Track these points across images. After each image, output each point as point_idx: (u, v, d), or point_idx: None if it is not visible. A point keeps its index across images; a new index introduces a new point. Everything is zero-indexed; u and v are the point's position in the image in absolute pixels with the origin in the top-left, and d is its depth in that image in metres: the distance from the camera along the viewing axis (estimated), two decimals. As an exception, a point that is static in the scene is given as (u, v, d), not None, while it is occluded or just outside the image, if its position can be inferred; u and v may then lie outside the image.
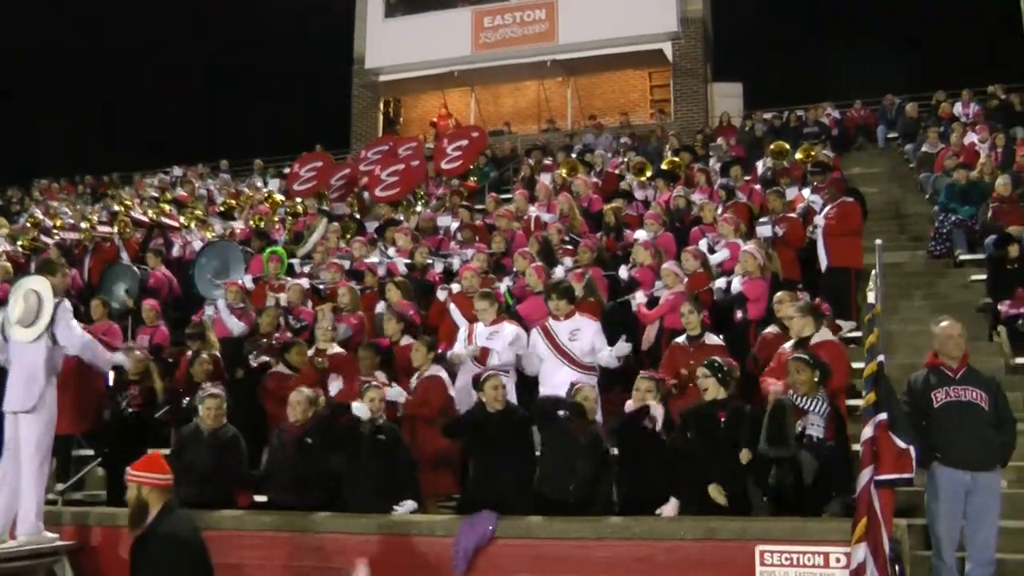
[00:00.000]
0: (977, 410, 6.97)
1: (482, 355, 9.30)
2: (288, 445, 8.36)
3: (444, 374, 9.07)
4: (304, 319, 11.33)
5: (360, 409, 8.03)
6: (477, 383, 8.30)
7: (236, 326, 11.29)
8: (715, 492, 7.18)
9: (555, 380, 8.87)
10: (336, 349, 10.21)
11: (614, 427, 8.14)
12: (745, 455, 7.20)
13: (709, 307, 9.85)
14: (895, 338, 11.01)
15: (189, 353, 10.38)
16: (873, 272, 7.13)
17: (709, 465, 7.31)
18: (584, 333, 9.14)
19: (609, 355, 9.09)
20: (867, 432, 6.34)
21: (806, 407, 7.13)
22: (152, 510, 5.97)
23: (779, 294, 9.28)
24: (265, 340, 10.69)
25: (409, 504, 7.87)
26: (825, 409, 7.12)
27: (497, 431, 7.89)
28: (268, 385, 9.81)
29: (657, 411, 7.73)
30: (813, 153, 15.64)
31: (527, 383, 9.63)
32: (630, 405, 7.91)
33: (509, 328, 9.53)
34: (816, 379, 7.23)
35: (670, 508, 7.37)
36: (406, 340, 9.95)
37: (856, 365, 8.92)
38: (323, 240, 14.61)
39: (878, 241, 7.51)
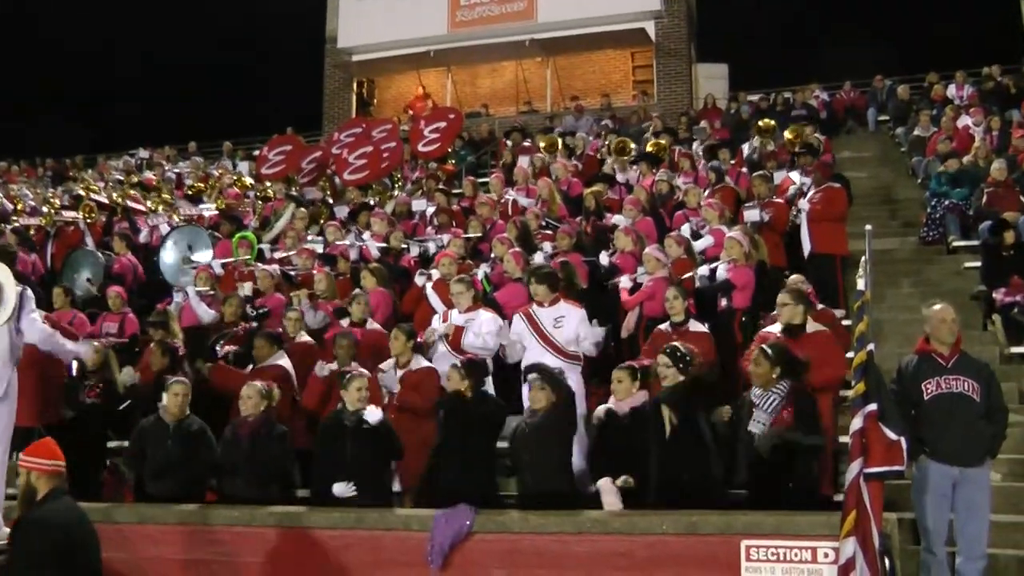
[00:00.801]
0: (968, 402, 6.94)
1: (455, 335, 9.27)
2: (243, 439, 8.28)
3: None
4: (267, 307, 11.24)
5: (372, 414, 7.98)
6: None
7: (207, 314, 11.19)
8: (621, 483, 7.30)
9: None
10: (305, 338, 10.17)
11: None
12: (725, 412, 7.34)
13: (692, 295, 9.83)
14: (883, 327, 11.03)
15: (154, 343, 10.28)
16: (863, 258, 7.09)
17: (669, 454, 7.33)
18: (569, 320, 9.10)
19: (589, 344, 9.07)
20: (856, 423, 6.29)
21: (759, 402, 7.16)
22: (39, 496, 6.00)
23: (794, 277, 9.30)
24: (230, 330, 10.59)
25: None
26: (773, 405, 7.10)
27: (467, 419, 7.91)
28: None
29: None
30: (805, 133, 15.63)
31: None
32: (613, 403, 7.90)
33: (485, 316, 9.51)
34: (775, 374, 7.21)
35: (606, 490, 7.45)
36: (372, 325, 9.94)
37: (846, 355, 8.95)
38: (291, 225, 14.51)
39: (868, 227, 7.47)
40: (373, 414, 8.00)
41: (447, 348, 9.45)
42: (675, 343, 7.86)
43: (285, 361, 9.59)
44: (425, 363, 9.06)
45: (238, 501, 8.08)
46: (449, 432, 7.97)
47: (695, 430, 7.30)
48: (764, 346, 7.41)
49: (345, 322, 10.34)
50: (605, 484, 7.46)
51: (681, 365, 7.56)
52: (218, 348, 10.38)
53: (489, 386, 8.90)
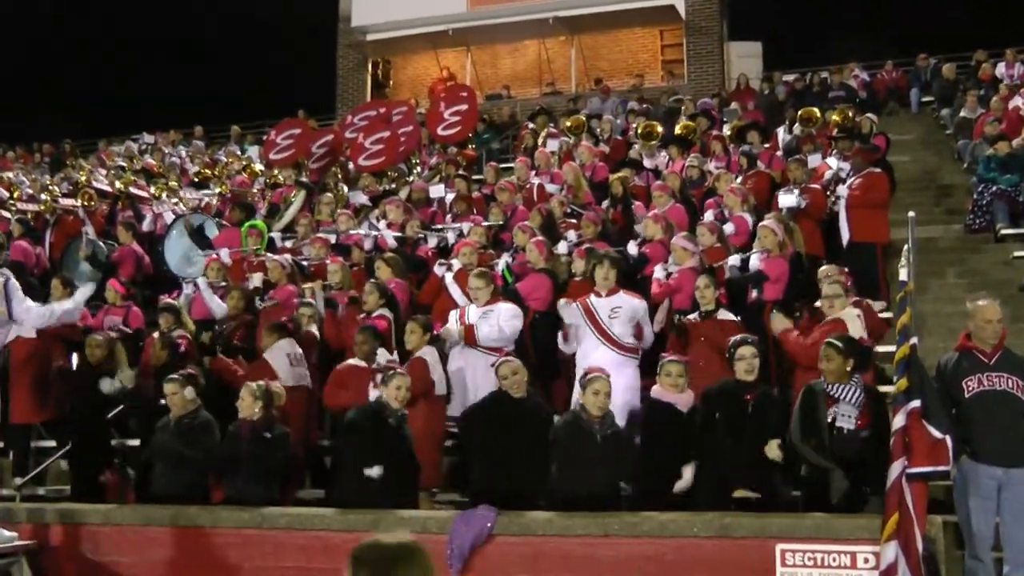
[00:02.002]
0: (1012, 400, 6.90)
1: (467, 334, 9.31)
2: (243, 439, 8.29)
3: (432, 356, 9.02)
4: (277, 299, 11.24)
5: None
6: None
7: (220, 307, 11.20)
8: (741, 495, 7.22)
9: (592, 362, 8.73)
10: (312, 329, 10.23)
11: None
12: (773, 450, 7.20)
13: (722, 285, 9.81)
14: (927, 319, 10.99)
15: (156, 335, 10.32)
16: (905, 247, 7.06)
17: (733, 450, 7.34)
18: (624, 312, 9.08)
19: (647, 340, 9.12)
20: (898, 421, 6.29)
21: (837, 395, 7.11)
22: None
23: (825, 267, 9.23)
24: (233, 323, 10.61)
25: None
26: (859, 398, 7.08)
27: (516, 420, 7.92)
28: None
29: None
30: (850, 115, 15.50)
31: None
32: (657, 391, 7.91)
33: (503, 306, 9.54)
34: (849, 367, 7.20)
35: (686, 476, 7.49)
36: (380, 313, 10.01)
37: (886, 348, 8.91)
38: (305, 213, 14.52)
39: (911, 213, 7.45)
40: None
41: (461, 344, 9.44)
42: (754, 336, 7.90)
43: (431, 354, 9.38)
44: (421, 353, 9.05)
45: (242, 502, 8.12)
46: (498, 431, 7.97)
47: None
48: (832, 339, 7.36)
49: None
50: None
51: (759, 360, 7.62)
52: (218, 346, 10.41)
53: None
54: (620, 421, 8.02)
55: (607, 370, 7.90)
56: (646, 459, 7.76)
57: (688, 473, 7.56)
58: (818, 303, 8.85)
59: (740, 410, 7.46)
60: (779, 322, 8.56)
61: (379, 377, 8.42)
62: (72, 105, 34.46)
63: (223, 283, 11.57)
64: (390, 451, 7.89)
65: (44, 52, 36.53)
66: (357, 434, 7.99)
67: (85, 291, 9.16)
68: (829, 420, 7.07)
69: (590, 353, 8.96)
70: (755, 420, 7.40)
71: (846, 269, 9.45)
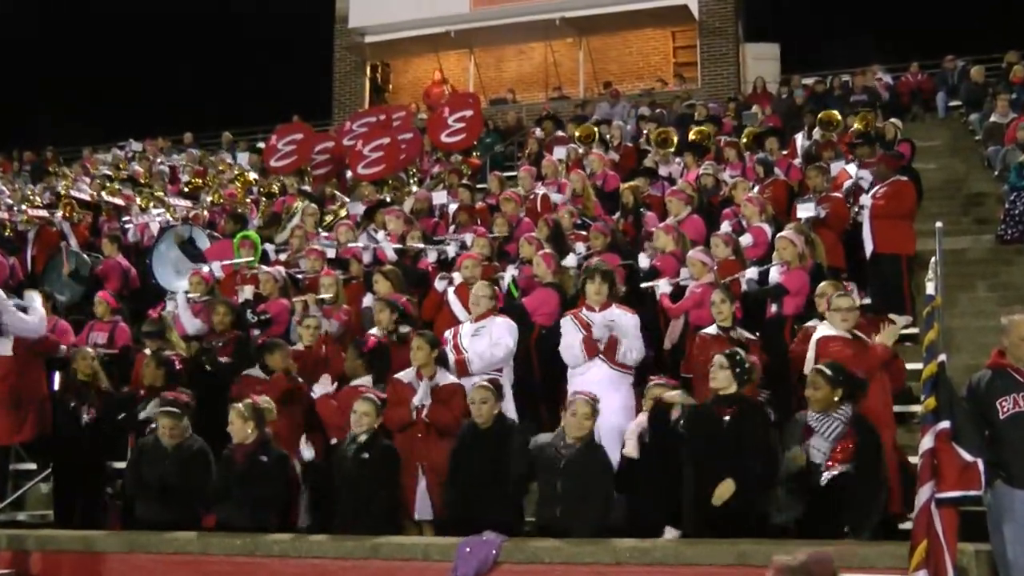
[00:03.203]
0: (1051, 422, 6.87)
1: (458, 368, 9.27)
2: (238, 464, 8.28)
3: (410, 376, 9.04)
4: (269, 313, 11.24)
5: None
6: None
7: (191, 324, 11.18)
8: (723, 490, 7.18)
9: (587, 379, 8.80)
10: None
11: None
12: (725, 489, 7.18)
13: (738, 299, 9.79)
14: (955, 335, 10.97)
15: (147, 352, 10.31)
16: (933, 259, 7.04)
17: (709, 473, 7.30)
18: (618, 328, 9.06)
19: (634, 354, 9.08)
20: (926, 443, 6.25)
21: (815, 426, 7.15)
22: None
23: (822, 285, 9.20)
24: (219, 341, 10.60)
25: None
26: (835, 431, 7.09)
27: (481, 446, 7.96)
28: (236, 390, 9.64)
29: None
30: (872, 121, 15.48)
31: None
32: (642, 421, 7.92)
33: (499, 321, 9.52)
34: (837, 397, 7.20)
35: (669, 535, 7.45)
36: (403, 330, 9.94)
37: (913, 366, 8.87)
38: (299, 224, 14.53)
39: (938, 224, 7.42)
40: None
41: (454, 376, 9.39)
42: (738, 350, 7.84)
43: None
44: (452, 378, 8.98)
45: (236, 529, 8.09)
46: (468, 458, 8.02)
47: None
48: (822, 367, 7.37)
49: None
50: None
51: (739, 369, 7.54)
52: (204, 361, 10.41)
53: (510, 403, 9.01)
54: (611, 444, 8.02)
55: (601, 388, 8.01)
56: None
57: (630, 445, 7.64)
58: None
59: (716, 426, 7.42)
60: (889, 337, 8.36)
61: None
62: (55, 109, 34.50)
63: (205, 297, 11.53)
64: (350, 483, 7.99)
65: (28, 52, 36.53)
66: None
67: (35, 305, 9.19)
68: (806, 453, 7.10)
69: (585, 371, 8.98)
70: (732, 436, 7.36)
71: (851, 284, 9.45)
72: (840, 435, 7.07)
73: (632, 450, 7.73)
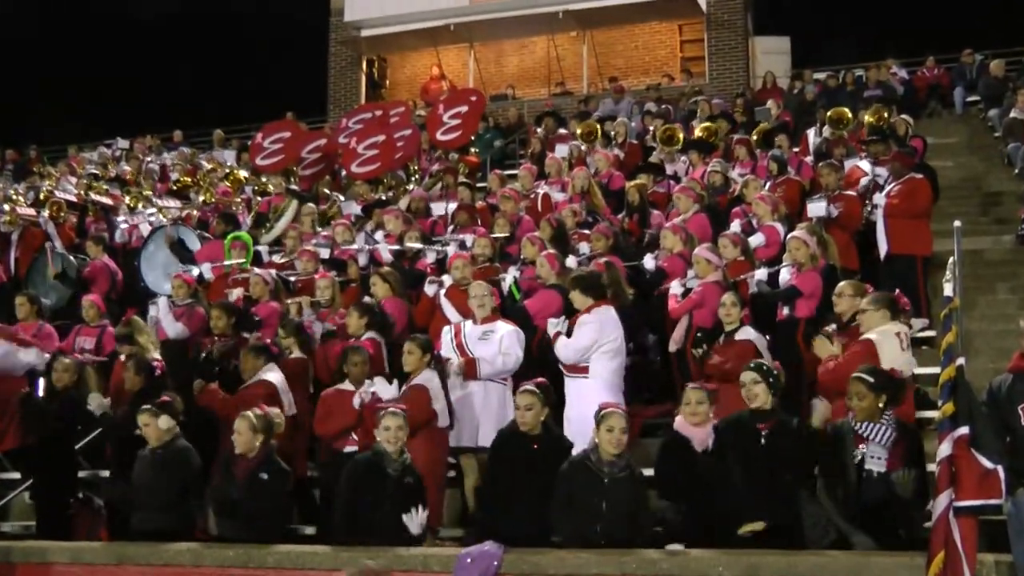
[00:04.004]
0: (1073, 427, 6.85)
1: (467, 368, 9.29)
2: (239, 479, 8.23)
3: (434, 382, 8.98)
4: (259, 316, 11.22)
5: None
6: None
7: (172, 328, 11.19)
8: (747, 530, 7.20)
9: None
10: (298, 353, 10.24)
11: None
12: (755, 527, 7.20)
13: (746, 301, 9.80)
14: (974, 338, 10.93)
15: (124, 358, 10.31)
16: (951, 260, 7.02)
17: (744, 489, 7.32)
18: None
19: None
20: (944, 450, 6.23)
21: (866, 434, 7.12)
22: None
23: (841, 284, 9.19)
24: (222, 343, 10.58)
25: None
26: (890, 438, 7.08)
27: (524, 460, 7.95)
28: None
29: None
30: (886, 115, 15.46)
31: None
32: (679, 422, 7.90)
33: (507, 329, 9.53)
34: (881, 403, 7.20)
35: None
36: (368, 335, 9.95)
37: (930, 370, 8.86)
38: (294, 225, 14.51)
39: (956, 223, 7.39)
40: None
41: (460, 380, 9.39)
42: (763, 361, 7.83)
43: (275, 376, 9.52)
44: (423, 378, 8.97)
45: (230, 540, 8.09)
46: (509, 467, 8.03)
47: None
48: (862, 374, 7.32)
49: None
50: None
51: (771, 381, 7.57)
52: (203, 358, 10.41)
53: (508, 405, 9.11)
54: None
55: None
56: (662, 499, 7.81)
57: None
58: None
59: (753, 442, 7.43)
60: (822, 348, 8.45)
61: (357, 400, 8.68)
62: (42, 107, 34.50)
63: (188, 301, 11.52)
64: (394, 502, 7.86)
65: (25, 51, 36.53)
66: (357, 485, 8.00)
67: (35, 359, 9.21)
68: (857, 460, 7.08)
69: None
70: (769, 452, 7.36)
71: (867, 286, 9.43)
72: (894, 439, 7.08)
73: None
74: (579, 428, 8.40)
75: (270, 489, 8.21)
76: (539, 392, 8.08)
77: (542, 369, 9.81)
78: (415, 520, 7.81)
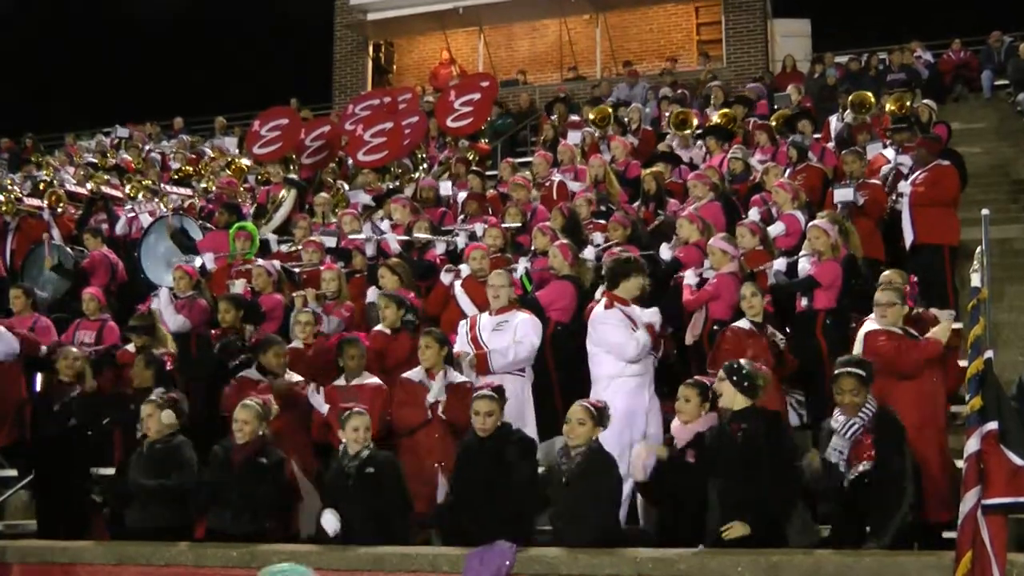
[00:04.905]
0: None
1: (479, 362, 9.31)
2: (236, 467, 8.25)
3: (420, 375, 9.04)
4: (263, 308, 11.24)
5: (329, 522, 7.95)
6: None
7: (173, 320, 11.18)
8: (736, 531, 7.16)
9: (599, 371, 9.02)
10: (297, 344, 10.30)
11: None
12: (736, 531, 7.15)
13: (765, 292, 9.78)
14: (1002, 330, 10.92)
15: (132, 350, 10.32)
16: (978, 249, 6.99)
17: (729, 492, 7.29)
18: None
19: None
20: (972, 445, 6.20)
21: (837, 428, 7.20)
22: None
23: (887, 272, 9.18)
24: (235, 337, 10.60)
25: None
26: (855, 431, 7.12)
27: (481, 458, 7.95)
28: (232, 392, 9.64)
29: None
30: (908, 103, 15.42)
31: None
32: (676, 427, 7.91)
33: (522, 317, 9.51)
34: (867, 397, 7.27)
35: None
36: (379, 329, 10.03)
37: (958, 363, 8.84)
38: (303, 215, 14.53)
39: (984, 211, 7.36)
40: (329, 522, 7.97)
41: (473, 375, 9.38)
42: (742, 360, 7.80)
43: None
44: (461, 376, 9.07)
45: (229, 537, 8.10)
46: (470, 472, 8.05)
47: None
48: (854, 369, 7.33)
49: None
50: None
51: (737, 379, 7.51)
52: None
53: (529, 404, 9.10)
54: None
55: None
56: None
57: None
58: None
59: (728, 444, 7.39)
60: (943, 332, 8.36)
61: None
62: (34, 93, 34.53)
63: (190, 293, 11.54)
64: (353, 501, 7.94)
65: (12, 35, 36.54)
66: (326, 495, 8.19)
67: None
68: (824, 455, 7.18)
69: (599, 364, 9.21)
70: (745, 452, 7.31)
71: (914, 278, 9.41)
72: (857, 432, 7.09)
73: (641, 473, 7.74)
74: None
75: (271, 472, 8.25)
76: (497, 397, 8.07)
77: (557, 362, 9.84)
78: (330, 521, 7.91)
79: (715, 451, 7.43)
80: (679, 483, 7.64)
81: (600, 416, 7.65)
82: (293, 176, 16.73)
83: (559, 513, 7.63)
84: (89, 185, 17.27)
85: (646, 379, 9.03)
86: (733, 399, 7.50)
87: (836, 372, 7.37)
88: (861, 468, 7.08)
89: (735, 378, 7.49)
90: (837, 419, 7.21)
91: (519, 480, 7.83)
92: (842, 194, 11.49)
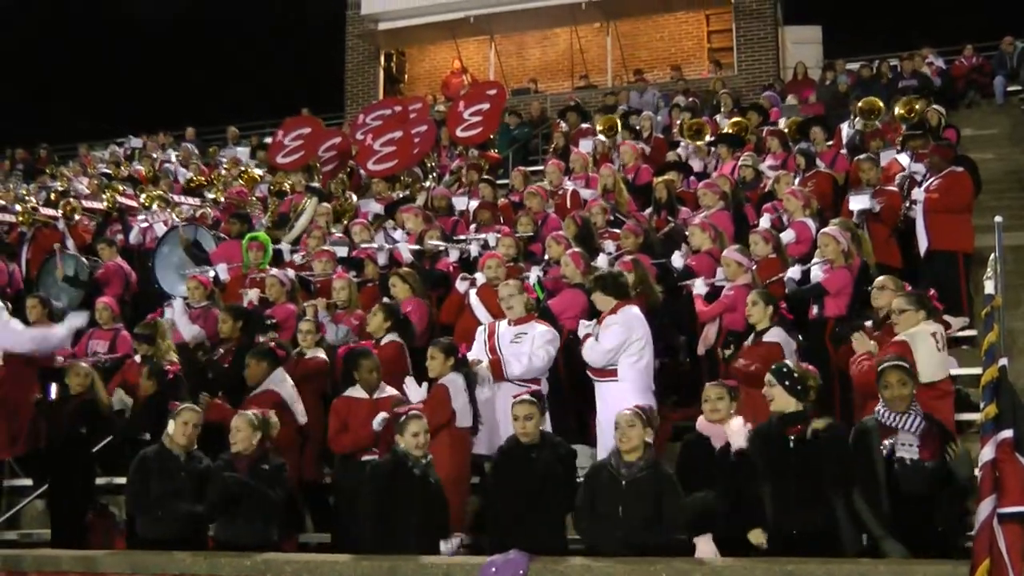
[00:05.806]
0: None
1: (494, 369, 9.29)
2: (242, 475, 8.22)
3: (457, 382, 8.97)
4: (275, 319, 11.21)
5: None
6: None
7: (189, 330, 11.22)
8: (755, 537, 7.17)
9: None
10: (320, 354, 10.24)
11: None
12: (757, 536, 7.17)
13: (781, 300, 9.74)
14: (1017, 337, 10.86)
15: (137, 359, 10.34)
16: (992, 256, 6.99)
17: (775, 500, 7.26)
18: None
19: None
20: (987, 453, 6.18)
21: (894, 424, 7.05)
22: None
23: (882, 278, 9.14)
24: (224, 348, 10.61)
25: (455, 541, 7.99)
26: (920, 426, 7.01)
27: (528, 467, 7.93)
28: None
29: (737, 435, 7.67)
30: (917, 108, 15.38)
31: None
32: (702, 422, 7.88)
33: (540, 329, 9.49)
34: (912, 393, 7.17)
35: (703, 546, 7.38)
36: (389, 338, 9.97)
37: (971, 371, 8.80)
38: (316, 224, 14.54)
39: (998, 218, 7.35)
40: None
41: (491, 382, 9.38)
42: (785, 363, 7.78)
43: (283, 385, 9.55)
44: (444, 380, 8.99)
45: (238, 546, 8.10)
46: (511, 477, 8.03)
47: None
48: (900, 363, 7.28)
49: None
50: (705, 544, 7.42)
51: (789, 383, 7.45)
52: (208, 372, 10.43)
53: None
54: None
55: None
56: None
57: (703, 544, 7.44)
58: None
59: (781, 449, 7.35)
60: (861, 343, 8.39)
61: (379, 420, 8.63)
62: (34, 94, 34.52)
63: (204, 303, 11.55)
64: (421, 502, 7.89)
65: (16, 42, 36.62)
66: (379, 488, 8.00)
67: (78, 320, 9.17)
68: (886, 453, 7.02)
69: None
70: (799, 458, 7.28)
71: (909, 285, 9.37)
72: (921, 427, 6.98)
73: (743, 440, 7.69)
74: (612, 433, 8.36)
75: (271, 480, 8.23)
76: (536, 401, 8.09)
77: (569, 372, 9.85)
78: (450, 546, 7.97)
79: (768, 456, 7.39)
80: (714, 479, 7.62)
81: (649, 419, 7.66)
82: (315, 184, 16.75)
83: (607, 514, 7.49)
84: (104, 199, 17.29)
85: (636, 385, 9.06)
86: (786, 403, 7.45)
87: (880, 368, 7.30)
88: (931, 464, 6.94)
89: (787, 382, 7.46)
90: (885, 415, 7.08)
91: (559, 488, 7.84)
92: (858, 201, 11.46)
